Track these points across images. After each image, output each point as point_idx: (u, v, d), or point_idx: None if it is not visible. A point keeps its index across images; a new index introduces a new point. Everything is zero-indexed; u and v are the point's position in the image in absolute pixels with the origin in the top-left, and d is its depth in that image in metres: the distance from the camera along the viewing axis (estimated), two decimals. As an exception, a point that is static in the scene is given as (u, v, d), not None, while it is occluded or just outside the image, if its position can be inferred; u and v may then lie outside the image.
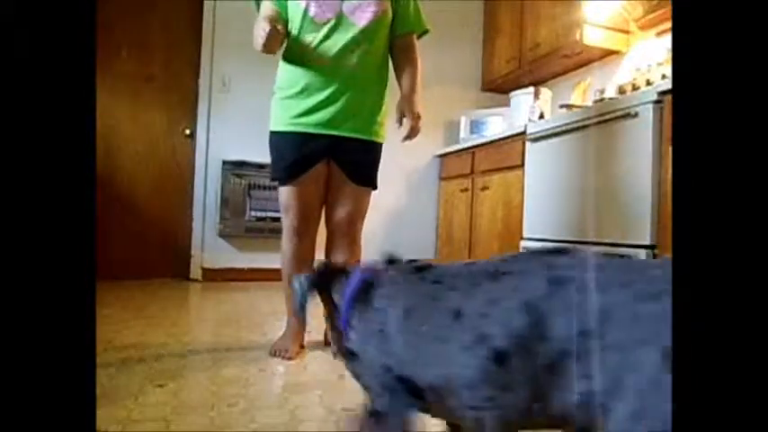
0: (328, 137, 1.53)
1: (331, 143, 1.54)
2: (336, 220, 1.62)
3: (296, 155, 1.53)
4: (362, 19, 1.51)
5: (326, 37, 1.50)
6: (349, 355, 0.68)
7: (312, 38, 1.51)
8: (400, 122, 1.59)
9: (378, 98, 1.61)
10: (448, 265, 0.64)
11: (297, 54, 1.53)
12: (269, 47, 1.43)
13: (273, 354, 1.54)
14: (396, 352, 0.59)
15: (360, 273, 0.71)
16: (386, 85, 1.64)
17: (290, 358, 1.51)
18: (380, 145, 1.64)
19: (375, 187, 1.65)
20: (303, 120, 1.53)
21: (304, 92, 1.52)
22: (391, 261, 0.73)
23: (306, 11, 1.49)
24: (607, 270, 0.49)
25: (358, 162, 1.58)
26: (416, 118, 1.57)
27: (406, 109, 1.58)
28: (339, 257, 1.64)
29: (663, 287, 0.44)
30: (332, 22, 1.49)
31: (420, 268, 0.64)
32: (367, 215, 1.68)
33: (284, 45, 1.55)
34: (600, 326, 0.45)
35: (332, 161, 1.57)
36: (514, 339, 0.49)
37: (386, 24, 1.57)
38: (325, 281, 0.76)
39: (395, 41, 1.64)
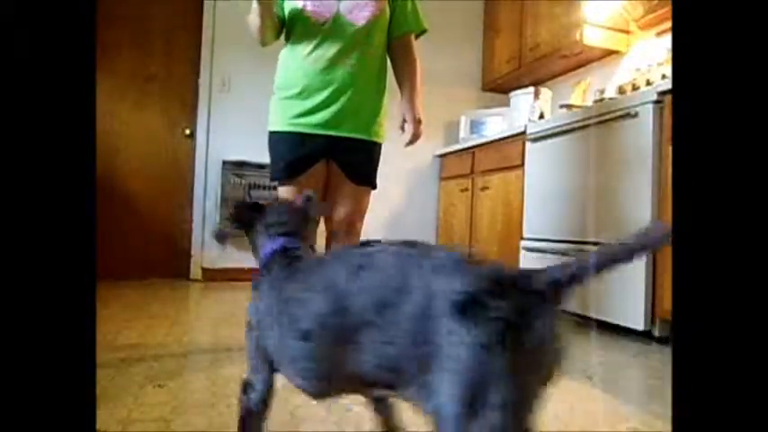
0: (327, 137, 1.53)
1: (330, 143, 1.54)
2: (336, 220, 1.62)
3: (295, 154, 1.53)
4: (360, 18, 1.51)
5: (324, 37, 1.50)
6: (246, 324, 0.78)
7: (310, 38, 1.51)
8: (403, 128, 1.63)
9: (377, 98, 1.61)
10: (308, 260, 0.75)
11: (302, 34, 1.52)
12: (264, 22, 1.44)
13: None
14: (261, 335, 0.72)
15: (273, 243, 0.82)
16: (385, 85, 1.64)
17: (290, 358, 1.51)
18: (380, 145, 1.64)
19: (374, 187, 1.65)
20: (302, 120, 1.53)
21: (303, 92, 1.52)
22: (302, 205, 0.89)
23: (303, 11, 1.49)
24: (401, 254, 0.57)
25: (357, 162, 1.58)
26: (418, 123, 1.60)
27: (408, 114, 1.60)
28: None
29: (448, 262, 0.53)
30: (329, 23, 1.49)
31: (293, 259, 0.75)
32: (367, 215, 1.68)
33: (281, 36, 1.58)
34: (396, 299, 0.52)
35: (331, 161, 1.57)
36: (317, 319, 0.60)
37: (384, 24, 1.57)
38: (246, 221, 0.89)
39: (393, 42, 1.64)
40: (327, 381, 0.64)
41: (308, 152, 1.53)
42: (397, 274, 0.54)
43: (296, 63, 1.54)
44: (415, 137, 1.61)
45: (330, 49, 1.50)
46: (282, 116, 1.56)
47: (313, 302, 0.61)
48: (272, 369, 0.74)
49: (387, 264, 0.56)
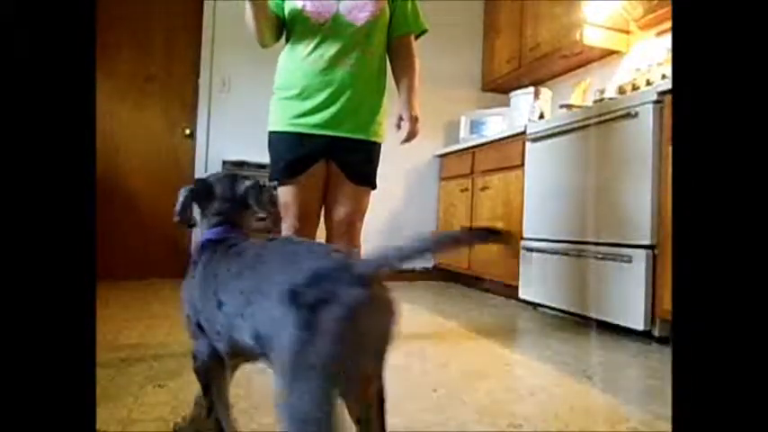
0: (327, 137, 1.53)
1: (330, 143, 1.54)
2: (336, 220, 1.62)
3: (295, 154, 1.53)
4: (360, 18, 1.51)
5: (324, 38, 1.50)
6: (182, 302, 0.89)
7: (309, 39, 1.51)
8: (399, 126, 1.62)
9: (376, 98, 1.61)
10: (236, 246, 0.83)
11: (301, 34, 1.53)
12: (259, 22, 1.45)
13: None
14: (195, 305, 0.83)
15: (212, 231, 0.94)
16: (384, 85, 1.64)
17: (290, 358, 1.51)
18: (379, 145, 1.64)
19: (374, 187, 1.65)
20: (302, 120, 1.53)
21: (303, 93, 1.52)
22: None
23: (302, 11, 1.49)
24: (285, 249, 0.71)
25: (357, 162, 1.58)
26: (414, 121, 1.60)
27: (405, 112, 1.60)
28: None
29: (303, 258, 0.65)
30: (329, 23, 1.49)
31: (228, 247, 0.84)
32: (367, 215, 1.68)
33: (282, 37, 1.59)
34: (266, 285, 0.65)
35: (331, 161, 1.58)
36: (228, 294, 0.73)
37: (383, 24, 1.57)
38: (200, 199, 0.99)
39: (392, 42, 1.64)
40: (230, 344, 0.76)
41: (308, 152, 1.53)
42: (273, 266, 0.68)
43: (295, 63, 1.54)
44: (411, 135, 1.61)
45: (330, 50, 1.50)
46: (282, 116, 1.56)
47: (227, 281, 0.75)
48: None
49: (271, 256, 0.70)
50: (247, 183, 1.00)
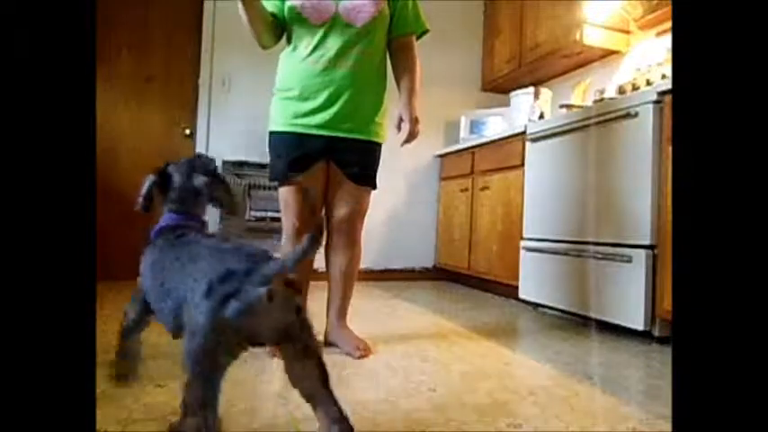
0: (327, 137, 1.53)
1: (330, 143, 1.54)
2: (336, 220, 1.62)
3: (295, 154, 1.53)
4: (359, 19, 1.51)
5: (323, 38, 1.50)
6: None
7: (309, 39, 1.51)
8: (399, 127, 1.62)
9: (377, 98, 1.61)
10: (192, 236, 0.94)
11: (301, 35, 1.53)
12: (252, 24, 1.46)
13: (274, 354, 1.54)
14: (145, 284, 0.96)
15: (167, 218, 1.04)
16: (385, 86, 1.64)
17: (290, 358, 1.50)
18: (380, 145, 1.64)
19: (375, 187, 1.65)
20: (302, 121, 1.53)
21: (303, 93, 1.52)
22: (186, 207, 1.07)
23: (301, 12, 1.49)
24: (221, 248, 0.81)
25: (357, 162, 1.59)
26: (415, 122, 1.59)
27: (405, 113, 1.59)
28: (339, 258, 1.64)
29: (229, 256, 0.77)
30: (328, 23, 1.49)
31: (179, 235, 0.95)
32: (367, 215, 1.68)
33: (282, 38, 1.59)
34: (200, 279, 0.75)
35: (331, 161, 1.58)
36: (174, 283, 0.83)
37: (383, 24, 1.57)
38: (161, 187, 1.08)
39: (393, 43, 1.64)
40: (176, 326, 0.84)
41: (308, 152, 1.54)
42: (207, 261, 0.78)
43: (295, 64, 1.54)
44: (411, 136, 1.60)
45: (329, 50, 1.50)
46: (282, 116, 1.56)
47: (174, 271, 0.84)
48: (147, 307, 0.99)
49: (208, 252, 0.81)
50: (203, 178, 1.07)
